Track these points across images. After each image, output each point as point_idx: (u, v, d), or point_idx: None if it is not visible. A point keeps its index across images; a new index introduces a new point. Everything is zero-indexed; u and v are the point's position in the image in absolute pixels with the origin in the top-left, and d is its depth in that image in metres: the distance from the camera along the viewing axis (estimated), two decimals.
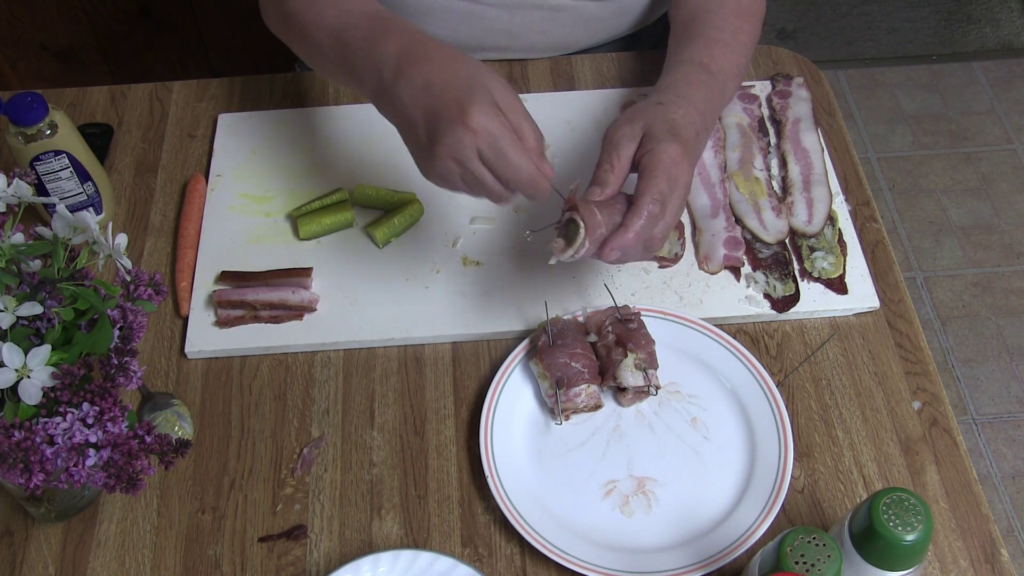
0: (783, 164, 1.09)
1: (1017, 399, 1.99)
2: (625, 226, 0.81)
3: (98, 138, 1.13)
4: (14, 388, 0.68)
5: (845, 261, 1.01)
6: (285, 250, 1.03)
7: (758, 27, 1.05)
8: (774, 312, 0.97)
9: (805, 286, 0.99)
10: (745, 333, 0.97)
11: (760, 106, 1.15)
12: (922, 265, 2.20)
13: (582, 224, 0.81)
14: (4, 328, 0.69)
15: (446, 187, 0.83)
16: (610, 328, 0.92)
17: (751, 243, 1.02)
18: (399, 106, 0.84)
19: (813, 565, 0.67)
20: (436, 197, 1.06)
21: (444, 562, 0.80)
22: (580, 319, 0.96)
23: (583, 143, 1.12)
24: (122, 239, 0.75)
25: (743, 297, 0.99)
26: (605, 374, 0.91)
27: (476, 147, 0.79)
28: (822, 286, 0.99)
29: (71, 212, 0.73)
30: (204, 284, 1.00)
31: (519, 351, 0.93)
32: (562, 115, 1.14)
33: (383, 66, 0.85)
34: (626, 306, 0.95)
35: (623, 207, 0.83)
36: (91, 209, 1.04)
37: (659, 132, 0.85)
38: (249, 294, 0.97)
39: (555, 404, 0.89)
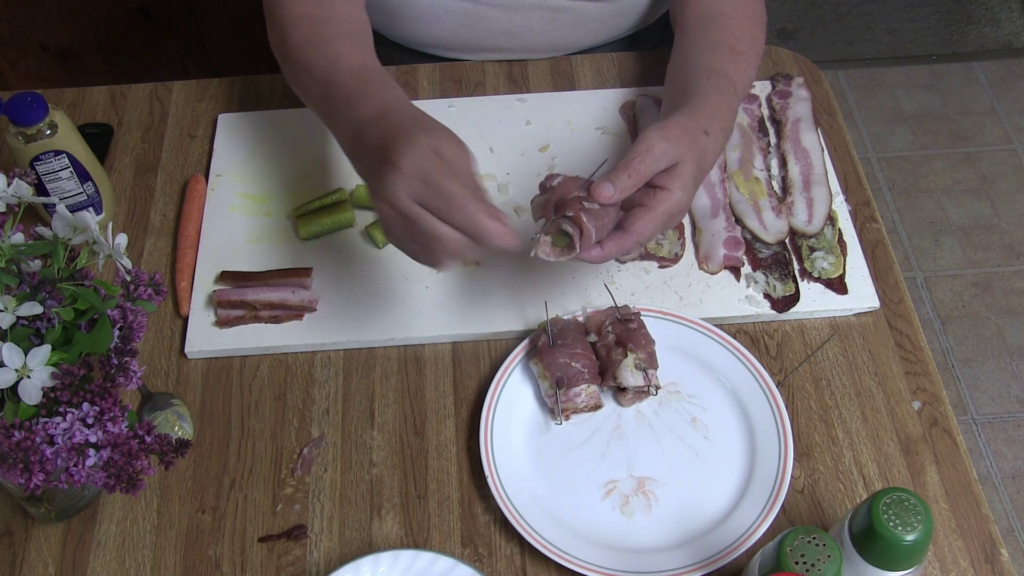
0: (783, 164, 1.09)
1: (1017, 399, 1.99)
2: (605, 250, 0.81)
3: (98, 138, 1.13)
4: (14, 388, 0.68)
5: (845, 261, 1.01)
6: (285, 250, 1.03)
7: (765, 34, 1.05)
8: (774, 312, 0.97)
9: (805, 286, 0.99)
10: (745, 333, 0.97)
11: (760, 106, 1.15)
12: (922, 265, 2.20)
13: (576, 240, 0.80)
14: (4, 328, 0.69)
15: (403, 250, 0.78)
16: (610, 328, 0.92)
17: (751, 243, 1.02)
18: (358, 167, 0.84)
19: (813, 565, 0.67)
20: None
21: (444, 562, 0.80)
22: (580, 319, 0.96)
23: (583, 143, 1.12)
24: (122, 239, 0.75)
25: (743, 297, 0.99)
26: (605, 374, 0.91)
27: (407, 186, 0.73)
28: (822, 286, 0.99)
29: (71, 212, 0.73)
30: (204, 284, 1.00)
31: (519, 351, 0.93)
32: (562, 115, 1.14)
33: (353, 129, 0.84)
34: (626, 306, 0.95)
35: (614, 216, 0.83)
36: (91, 209, 1.04)
37: (686, 173, 0.82)
38: (249, 294, 0.97)
39: (555, 404, 0.89)
